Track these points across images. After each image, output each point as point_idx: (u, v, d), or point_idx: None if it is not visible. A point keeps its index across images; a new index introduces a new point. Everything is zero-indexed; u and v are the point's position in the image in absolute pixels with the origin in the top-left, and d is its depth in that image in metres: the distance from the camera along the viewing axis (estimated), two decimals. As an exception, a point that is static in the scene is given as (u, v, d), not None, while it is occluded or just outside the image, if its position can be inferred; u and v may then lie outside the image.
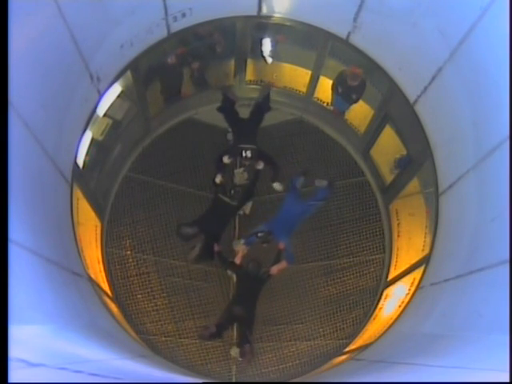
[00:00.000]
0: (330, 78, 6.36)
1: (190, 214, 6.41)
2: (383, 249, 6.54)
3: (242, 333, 6.01)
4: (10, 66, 2.71)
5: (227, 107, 6.47)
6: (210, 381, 5.88)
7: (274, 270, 5.98)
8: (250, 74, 6.66)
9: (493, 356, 2.61)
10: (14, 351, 2.03)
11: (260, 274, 6.00)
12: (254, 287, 5.98)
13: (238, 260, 6.07)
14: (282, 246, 6.05)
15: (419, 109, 4.90)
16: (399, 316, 5.14)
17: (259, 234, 6.05)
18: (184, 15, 4.95)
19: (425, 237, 5.28)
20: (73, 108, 4.31)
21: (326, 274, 6.55)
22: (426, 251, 5.06)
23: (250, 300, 5.93)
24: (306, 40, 5.95)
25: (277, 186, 6.54)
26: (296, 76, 6.65)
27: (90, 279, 4.85)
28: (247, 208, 6.57)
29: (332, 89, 6.37)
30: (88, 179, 5.45)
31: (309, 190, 6.47)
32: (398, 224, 6.29)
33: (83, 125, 4.73)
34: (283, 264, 6.03)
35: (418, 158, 5.37)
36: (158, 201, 6.57)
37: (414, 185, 5.78)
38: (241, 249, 6.16)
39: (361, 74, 5.88)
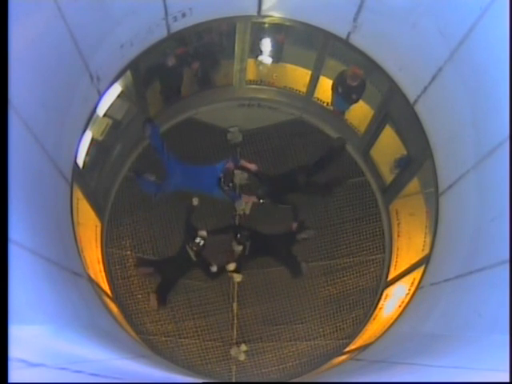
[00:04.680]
0: (329, 78, 6.36)
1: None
2: (383, 249, 6.54)
3: None
4: (10, 66, 2.71)
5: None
6: (210, 381, 5.88)
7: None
8: (250, 74, 6.65)
9: (493, 356, 2.61)
10: (14, 351, 2.03)
11: None
12: None
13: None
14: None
15: (419, 109, 4.90)
16: (399, 316, 5.14)
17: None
18: (184, 15, 4.96)
19: (425, 237, 5.27)
20: (73, 108, 4.31)
21: (326, 273, 6.56)
22: (426, 251, 5.06)
23: None
24: (305, 40, 5.97)
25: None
26: (296, 76, 6.66)
27: (90, 279, 4.85)
28: (247, 207, 6.57)
29: (332, 89, 6.37)
30: (88, 179, 5.45)
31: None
32: (398, 224, 6.29)
33: (83, 125, 4.73)
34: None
35: (418, 157, 5.37)
36: (158, 201, 6.56)
37: (413, 185, 5.78)
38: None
39: (361, 74, 5.88)
